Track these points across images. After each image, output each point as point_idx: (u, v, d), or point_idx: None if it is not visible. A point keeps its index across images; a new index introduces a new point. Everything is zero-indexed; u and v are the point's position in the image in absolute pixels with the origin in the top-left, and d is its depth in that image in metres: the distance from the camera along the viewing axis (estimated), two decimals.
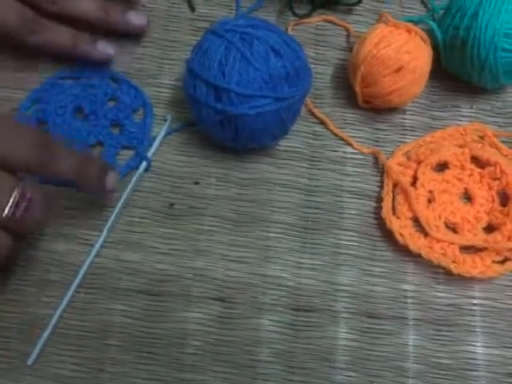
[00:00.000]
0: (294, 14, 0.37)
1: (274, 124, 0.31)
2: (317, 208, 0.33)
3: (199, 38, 0.36)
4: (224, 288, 0.31)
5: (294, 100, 0.31)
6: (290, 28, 0.37)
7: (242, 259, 0.31)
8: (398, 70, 0.32)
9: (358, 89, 0.34)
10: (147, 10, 0.38)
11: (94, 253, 0.31)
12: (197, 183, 0.33)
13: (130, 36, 0.37)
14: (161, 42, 0.37)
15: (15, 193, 0.27)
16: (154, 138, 0.34)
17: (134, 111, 0.35)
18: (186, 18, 0.38)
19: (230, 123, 0.31)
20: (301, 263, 0.31)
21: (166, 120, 0.35)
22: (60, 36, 0.34)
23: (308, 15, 0.38)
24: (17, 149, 0.27)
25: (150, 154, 0.34)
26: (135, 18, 0.36)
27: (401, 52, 0.32)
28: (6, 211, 0.26)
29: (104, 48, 0.35)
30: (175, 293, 0.31)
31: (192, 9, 0.38)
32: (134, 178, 0.33)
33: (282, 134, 0.33)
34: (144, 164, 0.33)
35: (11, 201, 0.27)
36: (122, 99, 0.35)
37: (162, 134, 0.34)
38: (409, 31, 0.33)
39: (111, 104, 0.36)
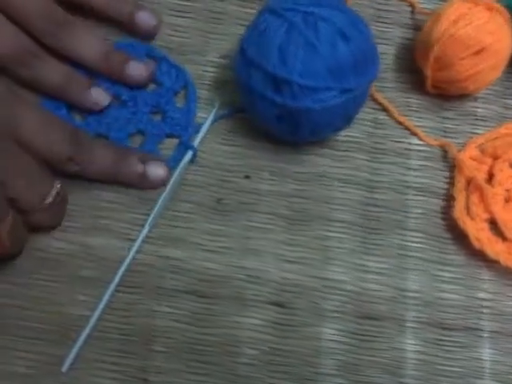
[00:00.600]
0: None
1: (339, 117, 0.28)
2: (379, 206, 0.30)
3: (248, 10, 0.34)
4: (280, 291, 0.28)
5: (362, 90, 0.28)
6: (349, 2, 0.34)
7: (299, 260, 0.29)
8: (479, 51, 0.29)
9: (428, 72, 0.31)
10: None
11: (135, 248, 0.29)
12: (247, 177, 0.31)
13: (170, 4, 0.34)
14: (205, 14, 0.33)
15: (56, 185, 0.27)
16: (199, 125, 0.31)
17: (175, 94, 0.32)
18: None
19: (289, 117, 0.28)
20: (364, 266, 0.29)
21: (213, 105, 0.32)
22: (51, 74, 0.30)
23: None
24: (50, 145, 0.27)
25: (196, 143, 0.31)
26: (136, 69, 0.31)
27: (482, 32, 0.29)
28: (47, 200, 0.27)
29: (97, 96, 0.30)
30: (226, 295, 0.28)
31: None
32: (179, 170, 0.30)
33: (346, 126, 0.30)
34: (190, 154, 0.30)
35: (53, 192, 0.27)
36: (162, 81, 0.32)
37: (210, 120, 0.31)
38: (489, 9, 0.30)
39: (150, 86, 0.32)
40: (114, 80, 0.31)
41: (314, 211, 0.30)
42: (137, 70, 0.31)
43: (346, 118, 0.29)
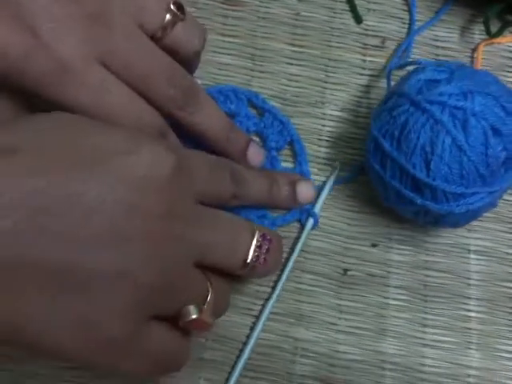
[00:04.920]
0: (488, 32, 0.32)
1: (484, 211, 0.26)
2: None
3: (367, 58, 0.32)
4: (423, 381, 0.27)
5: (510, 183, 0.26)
6: (479, 51, 0.32)
7: (440, 345, 0.28)
8: None
9: None
10: (304, 20, 0.33)
11: (259, 327, 0.27)
12: (375, 246, 0.29)
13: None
14: (321, 61, 0.32)
15: (257, 236, 0.24)
16: (318, 188, 0.30)
17: (277, 151, 0.30)
18: (350, 32, 0.33)
19: (427, 214, 0.26)
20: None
21: (333, 165, 0.30)
22: None
23: (499, 33, 0.33)
24: (218, 189, 0.25)
25: (317, 209, 0.29)
26: (256, 154, 0.29)
27: None
28: (250, 257, 0.24)
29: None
30: None
31: (358, 20, 0.33)
32: (302, 238, 0.29)
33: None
34: (311, 221, 0.29)
35: (254, 244, 0.24)
36: (267, 135, 0.30)
37: (330, 184, 0.30)
38: None
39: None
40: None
41: (450, 286, 0.29)
42: (256, 155, 0.29)
43: (491, 208, 0.27)
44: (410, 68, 0.28)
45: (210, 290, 0.23)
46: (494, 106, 0.25)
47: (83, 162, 0.20)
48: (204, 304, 0.22)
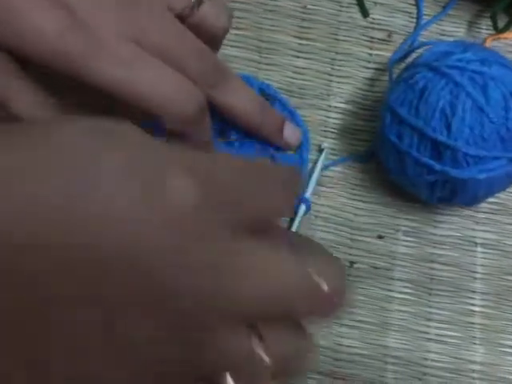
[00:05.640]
0: (495, 27, 0.32)
1: (501, 184, 0.26)
2: None
3: (375, 52, 0.32)
4: (426, 376, 0.27)
5: None
6: (487, 44, 0.32)
7: (444, 339, 0.28)
8: None
9: None
10: (311, 13, 0.33)
11: None
12: (381, 237, 0.29)
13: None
14: (328, 54, 0.32)
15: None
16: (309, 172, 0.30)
17: None
18: (357, 26, 0.32)
19: (444, 185, 0.26)
20: None
21: (321, 149, 0.30)
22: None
23: (506, 28, 0.33)
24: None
25: (308, 193, 0.29)
26: (292, 133, 0.29)
27: None
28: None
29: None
30: (368, 378, 0.27)
31: (365, 14, 0.33)
32: (295, 225, 0.28)
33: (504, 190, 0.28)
34: (303, 207, 0.29)
35: None
36: None
37: (319, 168, 0.29)
38: None
39: None
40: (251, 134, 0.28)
41: (456, 280, 0.29)
42: (293, 134, 0.29)
43: (507, 183, 0.27)
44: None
45: (261, 350, 0.14)
46: (510, 73, 0.25)
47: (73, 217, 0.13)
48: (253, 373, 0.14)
